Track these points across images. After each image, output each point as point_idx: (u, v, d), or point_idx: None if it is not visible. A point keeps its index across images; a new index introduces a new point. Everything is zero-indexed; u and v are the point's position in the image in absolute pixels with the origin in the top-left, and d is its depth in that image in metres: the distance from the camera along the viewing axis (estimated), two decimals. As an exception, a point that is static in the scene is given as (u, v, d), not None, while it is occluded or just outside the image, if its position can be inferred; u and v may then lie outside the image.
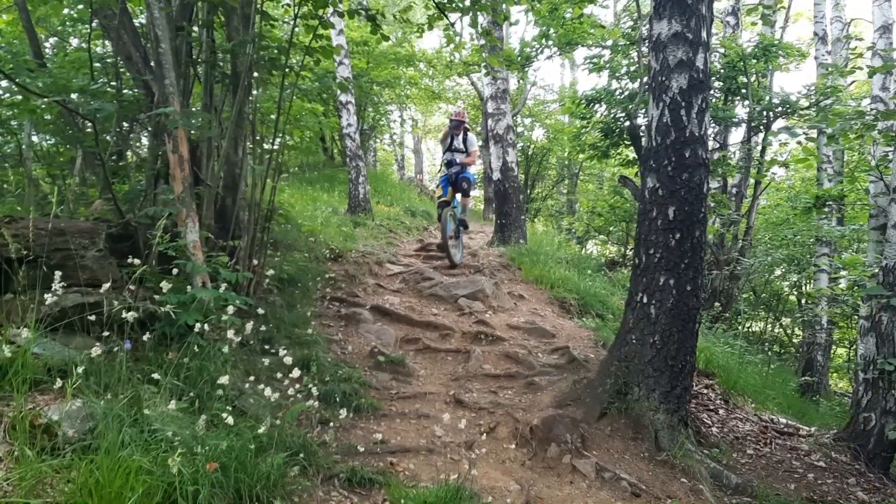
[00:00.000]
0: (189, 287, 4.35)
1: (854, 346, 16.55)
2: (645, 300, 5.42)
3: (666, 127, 5.44)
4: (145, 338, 3.62)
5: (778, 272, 17.24)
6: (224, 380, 3.61)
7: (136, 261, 3.84)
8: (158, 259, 4.68)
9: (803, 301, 17.51)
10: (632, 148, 13.25)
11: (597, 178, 27.22)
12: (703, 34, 5.47)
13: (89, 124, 5.18)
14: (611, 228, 15.03)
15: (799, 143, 8.93)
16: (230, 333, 3.69)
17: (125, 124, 5.87)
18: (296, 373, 3.82)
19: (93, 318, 3.35)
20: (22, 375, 3.10)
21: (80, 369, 3.06)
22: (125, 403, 3.11)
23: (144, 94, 5.23)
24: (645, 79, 12.02)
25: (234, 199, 5.94)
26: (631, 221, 13.55)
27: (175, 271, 4.29)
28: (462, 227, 10.18)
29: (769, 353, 13.39)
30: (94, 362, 3.30)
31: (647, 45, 10.15)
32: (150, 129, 5.58)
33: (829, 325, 14.23)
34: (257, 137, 6.60)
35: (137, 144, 6.82)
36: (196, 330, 3.97)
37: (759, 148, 12.96)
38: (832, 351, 15.44)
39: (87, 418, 2.99)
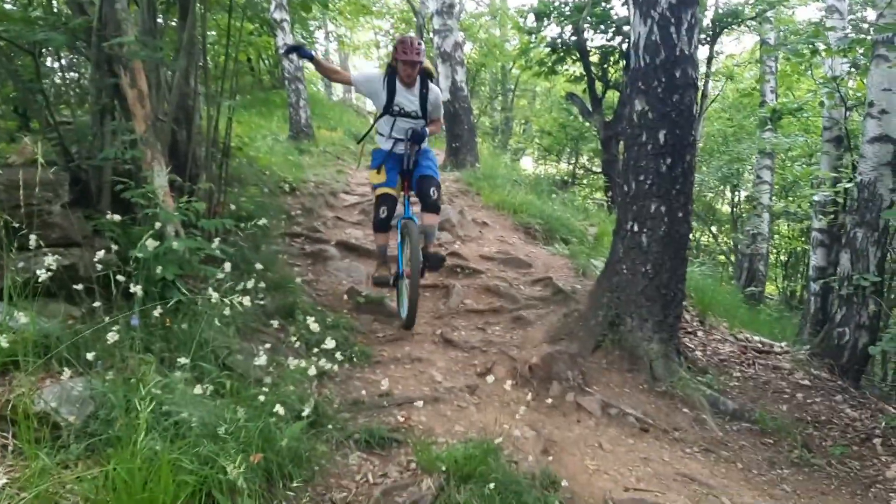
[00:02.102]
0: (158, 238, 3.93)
1: (789, 258, 17.24)
2: (636, 228, 5.26)
3: (655, 45, 5.17)
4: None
5: (712, 184, 17.63)
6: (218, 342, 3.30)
7: (116, 216, 3.39)
8: (112, 205, 4.21)
9: (737, 211, 18.02)
10: (579, 64, 12.99)
11: (530, 93, 26.86)
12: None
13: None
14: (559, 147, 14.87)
15: (788, 58, 8.81)
16: (241, 298, 3.31)
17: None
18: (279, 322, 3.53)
19: (79, 286, 2.93)
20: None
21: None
22: (124, 380, 2.77)
23: (84, 20, 4.59)
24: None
25: (188, 134, 5.41)
26: (581, 140, 13.44)
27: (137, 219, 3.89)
28: (427, 263, 5.49)
29: (716, 265, 13.73)
30: (78, 334, 2.93)
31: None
32: (89, 58, 4.97)
33: (769, 236, 14.69)
34: (207, 65, 6.01)
35: (69, 75, 6.11)
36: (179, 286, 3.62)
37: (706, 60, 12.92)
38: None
39: (87, 402, 2.64)
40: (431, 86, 5.52)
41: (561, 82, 14.92)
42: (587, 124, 13.92)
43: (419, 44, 5.28)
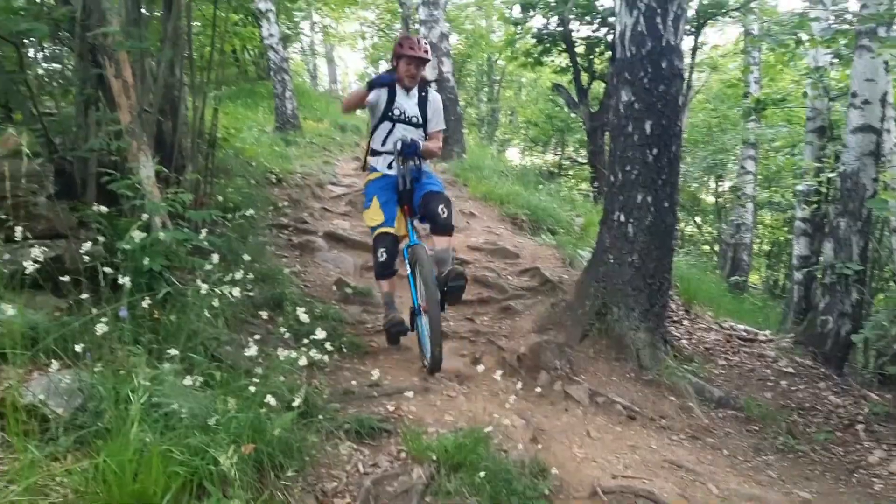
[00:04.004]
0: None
1: (772, 248, 17.39)
2: (622, 219, 5.28)
3: (641, 36, 5.19)
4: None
5: (697, 175, 17.74)
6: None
7: (103, 207, 3.37)
8: (98, 197, 4.18)
9: (721, 202, 18.14)
10: (565, 55, 13.00)
11: (516, 84, 26.84)
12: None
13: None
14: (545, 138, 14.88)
15: (772, 49, 8.87)
16: (230, 289, 3.31)
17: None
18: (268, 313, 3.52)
19: (66, 278, 2.92)
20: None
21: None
22: (113, 372, 2.77)
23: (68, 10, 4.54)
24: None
25: (174, 125, 5.38)
26: (567, 131, 13.46)
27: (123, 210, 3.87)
28: (448, 290, 4.56)
29: (701, 255, 13.82)
30: (66, 325, 2.91)
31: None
32: (73, 48, 4.92)
33: (752, 226, 14.80)
34: (192, 56, 5.96)
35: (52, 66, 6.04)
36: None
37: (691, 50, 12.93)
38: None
39: (75, 394, 2.63)
40: (431, 90, 5.02)
41: (547, 73, 14.93)
42: (573, 115, 13.95)
43: (426, 43, 4.80)
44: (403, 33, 4.05)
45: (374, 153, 4.96)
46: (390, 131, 4.85)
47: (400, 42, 4.79)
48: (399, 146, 4.70)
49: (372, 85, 4.67)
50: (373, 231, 4.79)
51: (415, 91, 4.88)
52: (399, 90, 4.82)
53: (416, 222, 4.95)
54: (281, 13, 18.21)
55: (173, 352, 3.01)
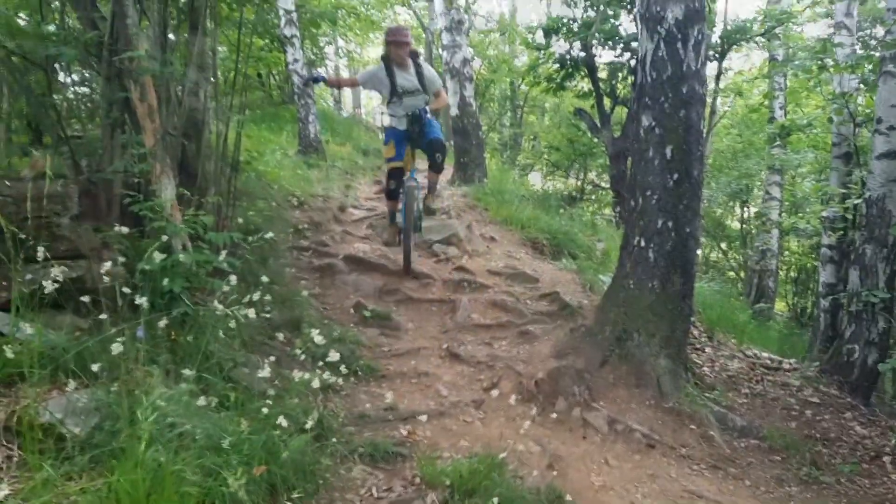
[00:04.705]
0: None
1: (799, 275, 17.13)
2: (643, 244, 5.25)
3: (662, 61, 5.19)
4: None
5: (721, 200, 17.55)
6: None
7: (125, 228, 3.41)
8: (121, 218, 4.23)
9: (747, 228, 17.93)
10: (588, 80, 13.02)
11: (539, 109, 26.86)
12: (700, -41, 5.20)
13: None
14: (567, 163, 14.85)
15: (796, 74, 8.80)
16: (247, 311, 3.33)
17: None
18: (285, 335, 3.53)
19: (86, 298, 2.95)
20: (6, 369, 2.72)
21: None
22: (129, 391, 2.78)
23: (96, 34, 4.65)
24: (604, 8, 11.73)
25: (198, 148, 5.46)
26: (589, 156, 13.43)
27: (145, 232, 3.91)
28: (423, 215, 7.12)
29: (726, 281, 13.65)
30: (83, 344, 2.94)
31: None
32: (100, 72, 5.03)
33: (778, 253, 14.60)
34: (217, 80, 6.06)
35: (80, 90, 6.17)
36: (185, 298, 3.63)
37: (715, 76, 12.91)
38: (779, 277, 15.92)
39: (92, 413, 2.65)
40: (422, 62, 6.30)
41: (569, 98, 14.96)
42: (595, 140, 13.93)
43: (406, 29, 6.55)
44: (389, 26, 6.73)
45: (392, 116, 6.41)
46: (400, 103, 6.27)
47: (387, 33, 6.35)
48: (411, 115, 6.23)
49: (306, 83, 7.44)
50: (387, 162, 6.53)
51: (410, 67, 6.19)
52: (396, 70, 6.14)
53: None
54: (306, 38, 18.50)
55: (188, 372, 3.02)
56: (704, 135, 10.18)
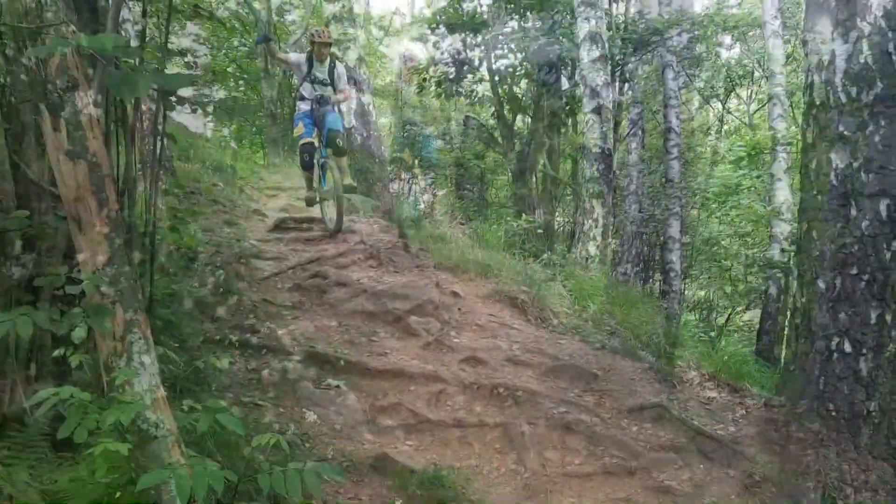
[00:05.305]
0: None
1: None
2: (847, 349, 3.46)
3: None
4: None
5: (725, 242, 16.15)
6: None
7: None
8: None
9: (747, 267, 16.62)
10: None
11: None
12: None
13: None
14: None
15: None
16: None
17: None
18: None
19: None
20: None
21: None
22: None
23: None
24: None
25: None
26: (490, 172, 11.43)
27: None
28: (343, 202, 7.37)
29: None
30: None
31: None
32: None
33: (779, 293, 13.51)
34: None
35: None
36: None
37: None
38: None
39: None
40: (337, 63, 7.50)
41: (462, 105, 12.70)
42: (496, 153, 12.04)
43: (329, 33, 7.60)
44: (314, 28, 7.95)
45: (302, 99, 7.44)
46: (311, 88, 7.29)
47: (312, 34, 7.44)
48: (318, 98, 7.21)
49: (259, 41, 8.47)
50: (299, 140, 7.40)
51: (327, 64, 7.29)
52: (315, 62, 7.26)
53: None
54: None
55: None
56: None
